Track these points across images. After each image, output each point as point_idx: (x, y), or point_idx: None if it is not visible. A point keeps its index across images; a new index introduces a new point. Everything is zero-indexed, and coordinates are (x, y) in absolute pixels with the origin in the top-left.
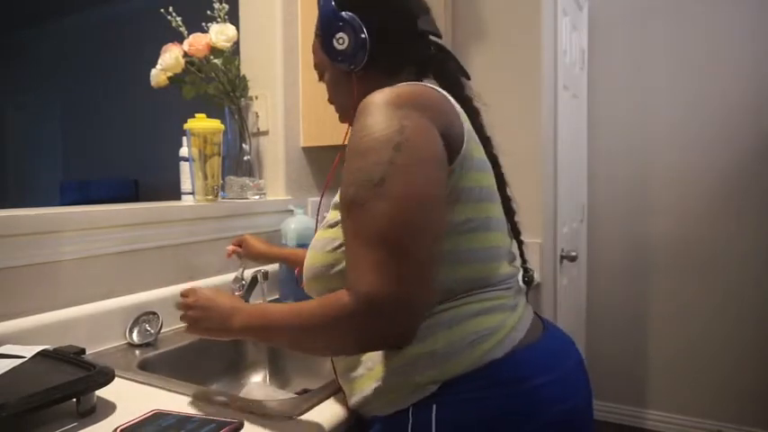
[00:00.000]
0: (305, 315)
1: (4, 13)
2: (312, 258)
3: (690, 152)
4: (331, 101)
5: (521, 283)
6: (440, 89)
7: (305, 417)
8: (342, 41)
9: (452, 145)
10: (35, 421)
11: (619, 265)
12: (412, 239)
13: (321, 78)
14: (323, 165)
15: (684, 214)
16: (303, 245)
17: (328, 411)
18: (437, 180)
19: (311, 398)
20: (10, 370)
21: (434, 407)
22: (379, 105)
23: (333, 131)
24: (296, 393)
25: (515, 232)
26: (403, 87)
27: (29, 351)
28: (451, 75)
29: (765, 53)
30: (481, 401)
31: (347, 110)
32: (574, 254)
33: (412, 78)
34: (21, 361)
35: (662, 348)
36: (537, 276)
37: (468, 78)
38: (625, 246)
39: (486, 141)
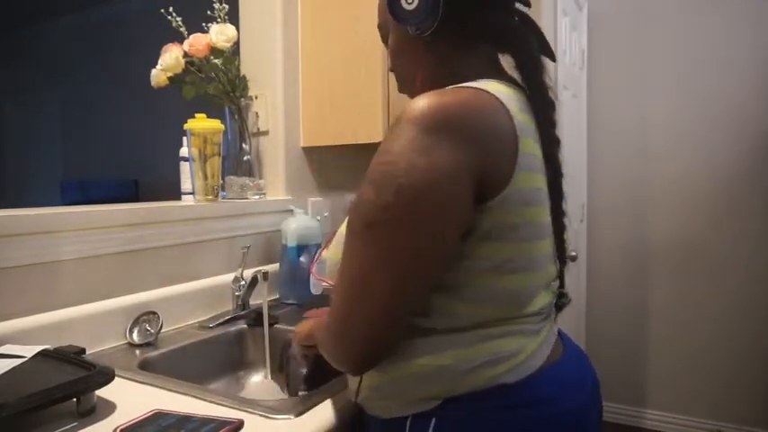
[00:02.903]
0: (317, 333)
1: (4, 13)
2: (338, 255)
3: (691, 152)
4: (392, 68)
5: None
6: (502, 91)
7: (305, 417)
8: (411, 0)
9: (494, 179)
10: (35, 421)
11: (619, 265)
12: (378, 287)
13: (385, 42)
14: (323, 165)
15: (685, 215)
16: (303, 245)
17: (328, 411)
18: (435, 233)
19: (311, 398)
20: (10, 370)
21: (433, 420)
22: (407, 124)
23: (333, 131)
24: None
25: (561, 252)
26: (447, 98)
27: (29, 351)
28: (532, 55)
29: None
30: (483, 421)
31: (409, 81)
32: (574, 254)
33: (487, 56)
34: (21, 361)
35: (662, 348)
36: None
37: (554, 59)
38: (625, 246)
39: (552, 144)
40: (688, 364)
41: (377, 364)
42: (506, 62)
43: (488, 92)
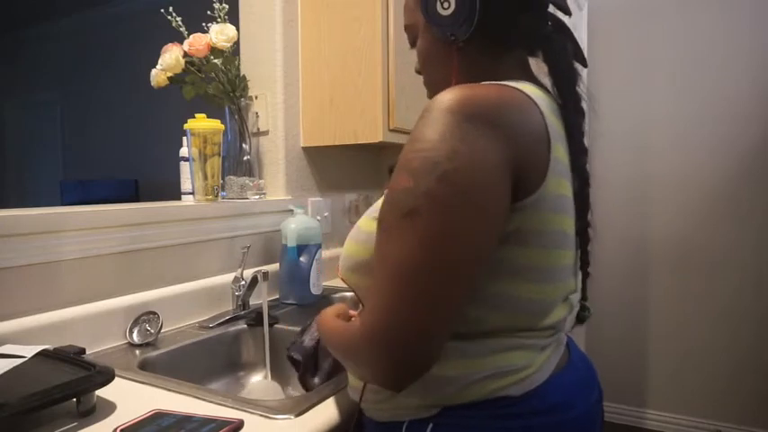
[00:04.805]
0: (335, 340)
1: (4, 13)
2: (351, 250)
3: (691, 151)
4: (419, 72)
5: (573, 319)
6: (534, 93)
7: (305, 416)
8: (447, 5)
9: (528, 178)
10: (35, 421)
11: (619, 265)
12: (428, 281)
13: (412, 45)
14: (323, 165)
15: (685, 215)
16: (303, 245)
17: (328, 411)
18: (481, 222)
19: (311, 398)
20: (10, 370)
21: (430, 426)
22: (443, 113)
23: (333, 131)
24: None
25: (584, 263)
26: (482, 90)
27: (29, 351)
28: (566, 63)
29: None
30: (481, 429)
31: (439, 87)
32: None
33: (519, 62)
34: (21, 361)
35: (662, 347)
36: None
37: (586, 65)
38: (625, 245)
39: (581, 153)
40: (688, 364)
41: (420, 377)
42: (538, 68)
43: (522, 90)
